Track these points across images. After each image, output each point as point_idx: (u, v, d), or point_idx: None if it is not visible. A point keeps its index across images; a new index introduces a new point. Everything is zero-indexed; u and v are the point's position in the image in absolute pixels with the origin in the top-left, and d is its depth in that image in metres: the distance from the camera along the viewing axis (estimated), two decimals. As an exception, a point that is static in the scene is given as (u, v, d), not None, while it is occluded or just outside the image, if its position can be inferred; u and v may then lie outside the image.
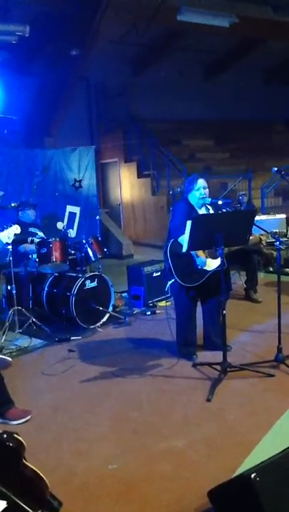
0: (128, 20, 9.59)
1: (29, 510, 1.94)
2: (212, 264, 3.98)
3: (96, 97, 12.34)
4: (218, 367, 3.81)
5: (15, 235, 4.28)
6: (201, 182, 4.13)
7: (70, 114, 10.83)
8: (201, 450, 2.90)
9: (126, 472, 2.72)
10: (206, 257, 3.99)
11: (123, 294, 6.38)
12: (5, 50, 7.96)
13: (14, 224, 4.29)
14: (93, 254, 5.66)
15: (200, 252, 3.98)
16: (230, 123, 13.02)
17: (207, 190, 4.15)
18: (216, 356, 3.97)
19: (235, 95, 13.01)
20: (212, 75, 13.53)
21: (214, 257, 3.97)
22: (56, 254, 5.23)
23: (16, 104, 7.36)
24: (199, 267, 3.95)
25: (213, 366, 3.92)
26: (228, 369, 3.79)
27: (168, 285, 4.31)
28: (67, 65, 9.59)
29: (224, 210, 4.18)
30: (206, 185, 4.15)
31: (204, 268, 3.96)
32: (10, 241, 4.25)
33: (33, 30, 7.40)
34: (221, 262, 3.76)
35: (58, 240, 5.34)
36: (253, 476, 2.04)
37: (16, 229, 4.24)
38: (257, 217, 6.15)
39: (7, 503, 1.89)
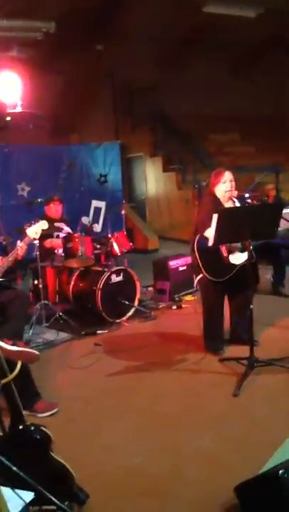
0: (154, 15, 9.51)
1: (56, 501, 1.95)
2: (240, 257, 3.93)
3: (122, 92, 12.32)
4: (245, 362, 3.77)
5: (42, 230, 4.32)
6: (228, 175, 4.08)
7: (95, 110, 10.85)
8: (228, 446, 2.87)
9: (152, 467, 2.71)
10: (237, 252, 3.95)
11: (149, 289, 6.38)
12: (30, 47, 8.02)
13: (41, 219, 4.33)
14: (119, 248, 5.67)
15: (233, 248, 3.93)
16: (257, 117, 12.80)
17: (234, 183, 4.10)
18: (243, 351, 3.92)
19: (261, 89, 12.78)
20: (239, 69, 13.31)
21: (242, 251, 3.92)
22: (82, 249, 5.26)
23: (41, 100, 7.42)
24: (227, 255, 3.90)
25: (240, 361, 3.87)
26: (256, 364, 3.74)
27: (196, 280, 4.28)
28: (92, 61, 9.61)
29: (249, 201, 4.12)
30: (233, 178, 4.10)
31: (232, 262, 3.92)
32: (37, 236, 4.30)
33: (59, 26, 7.44)
34: (249, 255, 3.71)
35: (83, 234, 5.37)
36: (280, 472, 2.01)
37: (43, 224, 4.29)
38: (285, 210, 6.04)
39: (34, 494, 1.91)
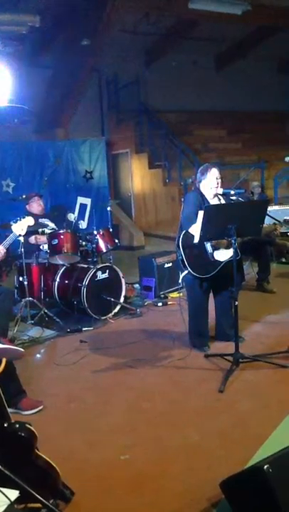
0: (140, 9, 9.48)
1: (41, 499, 1.94)
2: (225, 254, 3.94)
3: (107, 87, 12.27)
4: (231, 358, 3.79)
5: (28, 226, 4.29)
6: (214, 171, 4.08)
7: (81, 105, 10.77)
8: (214, 441, 2.88)
9: (138, 463, 2.72)
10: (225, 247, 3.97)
11: (134, 285, 6.37)
12: (16, 41, 7.92)
13: (27, 216, 4.30)
14: (104, 245, 5.65)
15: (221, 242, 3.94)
16: (243, 113, 12.87)
17: (220, 180, 4.11)
18: (229, 347, 3.96)
19: (248, 85, 12.84)
20: (225, 65, 13.36)
21: (227, 248, 3.94)
22: (67, 246, 5.23)
23: (26, 95, 7.34)
24: (212, 252, 3.91)
25: (226, 357, 3.90)
26: (241, 360, 3.77)
27: (181, 277, 4.29)
28: (78, 56, 9.52)
29: (235, 199, 4.13)
30: (219, 175, 4.10)
31: (217, 258, 3.93)
32: (23, 233, 4.27)
33: (44, 20, 7.36)
34: (234, 252, 3.73)
35: (69, 231, 5.34)
36: (265, 467, 2.02)
37: (29, 221, 4.26)
38: (270, 208, 6.09)
39: (19, 492, 1.90)
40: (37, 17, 7.26)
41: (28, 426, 2.14)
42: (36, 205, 5.88)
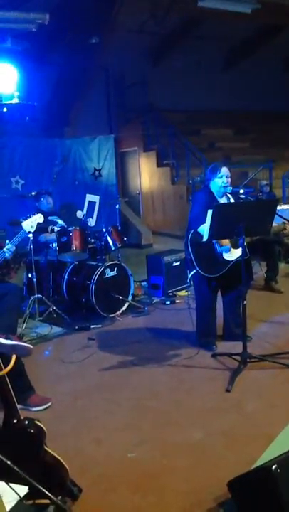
0: (147, 9, 9.45)
1: (50, 495, 1.95)
2: (234, 253, 3.94)
3: (115, 86, 12.26)
4: (238, 357, 3.79)
5: (38, 223, 4.31)
6: (225, 170, 4.08)
7: (89, 103, 10.79)
8: (220, 441, 2.88)
9: (144, 462, 2.72)
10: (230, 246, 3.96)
11: (142, 283, 6.38)
12: (25, 39, 7.93)
13: (36, 213, 4.32)
14: (113, 243, 5.65)
15: (224, 241, 3.93)
16: (250, 112, 12.81)
17: (229, 179, 4.10)
18: (236, 347, 3.95)
19: (254, 84, 12.77)
20: (231, 64, 13.30)
21: (236, 247, 3.93)
22: (76, 243, 5.24)
23: (35, 93, 7.36)
24: (221, 251, 3.91)
25: (233, 357, 3.89)
26: (248, 360, 3.76)
27: (190, 276, 4.29)
28: (86, 54, 9.52)
29: (244, 197, 4.11)
30: (229, 173, 4.09)
31: (226, 258, 3.92)
32: (33, 230, 4.29)
33: (53, 18, 7.36)
34: (243, 251, 3.72)
35: (77, 228, 5.35)
36: (274, 467, 2.02)
37: (39, 218, 4.28)
38: (278, 207, 6.05)
39: (28, 489, 1.91)
40: (46, 14, 7.26)
41: (37, 422, 2.15)
42: (45, 203, 5.90)
